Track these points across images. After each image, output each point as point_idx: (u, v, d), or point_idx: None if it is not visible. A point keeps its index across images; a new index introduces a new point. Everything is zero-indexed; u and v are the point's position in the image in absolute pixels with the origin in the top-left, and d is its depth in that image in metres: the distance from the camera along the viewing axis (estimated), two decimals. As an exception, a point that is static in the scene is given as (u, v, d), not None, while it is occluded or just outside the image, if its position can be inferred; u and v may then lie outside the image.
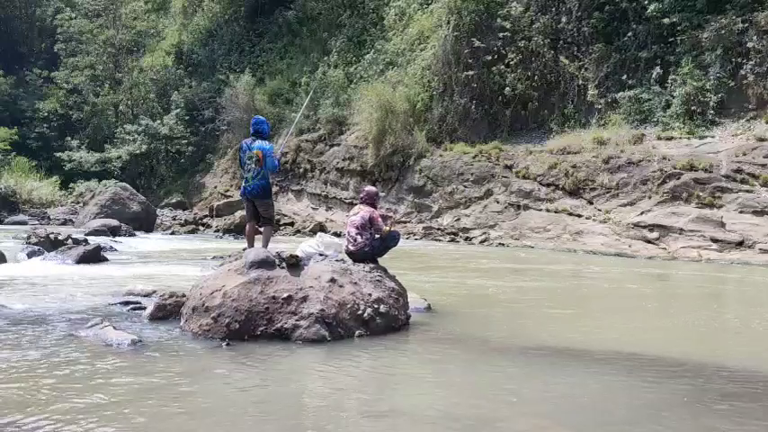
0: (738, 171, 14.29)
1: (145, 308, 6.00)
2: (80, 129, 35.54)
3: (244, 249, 6.67)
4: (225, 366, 4.35)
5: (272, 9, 31.16)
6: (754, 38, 15.38)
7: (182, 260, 11.39)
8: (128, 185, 22.08)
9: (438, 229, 19.24)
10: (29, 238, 11.58)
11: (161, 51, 36.11)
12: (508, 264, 12.68)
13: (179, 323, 5.42)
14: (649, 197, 15.35)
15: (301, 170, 25.12)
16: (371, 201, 6.34)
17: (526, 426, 3.35)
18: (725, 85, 15.72)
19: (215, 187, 28.71)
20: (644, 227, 15.02)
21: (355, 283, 5.55)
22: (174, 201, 28.98)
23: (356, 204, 6.50)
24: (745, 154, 14.42)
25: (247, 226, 7.76)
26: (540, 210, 17.34)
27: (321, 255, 5.93)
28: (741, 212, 13.87)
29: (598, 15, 18.57)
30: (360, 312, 5.31)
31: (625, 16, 18.17)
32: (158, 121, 30.91)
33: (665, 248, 14.38)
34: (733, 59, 15.74)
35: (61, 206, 27.57)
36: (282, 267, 5.42)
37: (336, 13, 27.82)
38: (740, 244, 13.43)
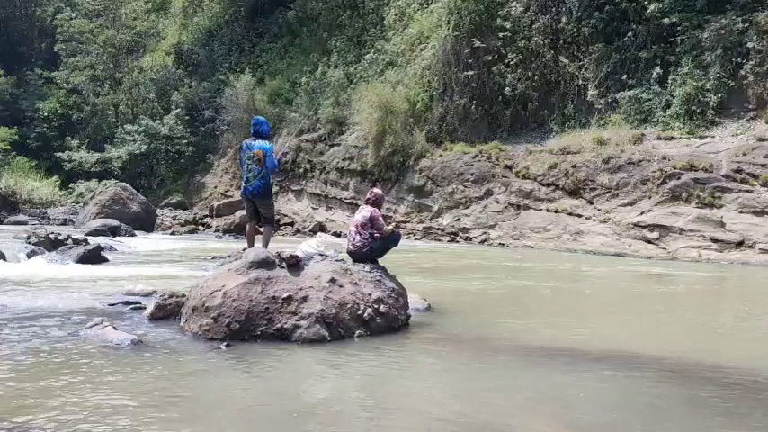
0: (738, 171, 14.29)
1: (145, 308, 5.99)
2: (80, 129, 35.56)
3: (244, 249, 6.68)
4: (225, 366, 4.35)
5: (272, 9, 31.16)
6: (754, 38, 15.37)
7: (182, 260, 11.38)
8: (128, 185, 22.08)
9: (438, 229, 19.24)
10: (29, 237, 11.56)
11: (161, 51, 36.12)
12: (508, 264, 12.68)
13: (179, 323, 5.41)
14: (649, 197, 15.35)
15: (301, 170, 25.13)
16: (377, 203, 6.34)
17: (526, 425, 3.35)
18: (725, 85, 15.72)
19: (215, 187, 28.72)
20: (644, 227, 15.02)
21: (355, 283, 5.55)
22: (174, 201, 29.00)
23: (362, 205, 6.49)
24: (745, 154, 14.42)
25: (247, 226, 7.78)
26: (540, 210, 17.34)
27: (321, 255, 5.93)
28: (741, 212, 13.87)
29: (598, 15, 18.56)
30: (360, 312, 5.31)
31: (625, 16, 18.17)
32: (158, 121, 30.91)
33: (665, 248, 14.39)
34: (733, 59, 15.74)
35: (61, 206, 27.60)
36: (282, 267, 5.42)
37: (336, 13, 27.82)
38: (740, 244, 13.44)
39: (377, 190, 6.57)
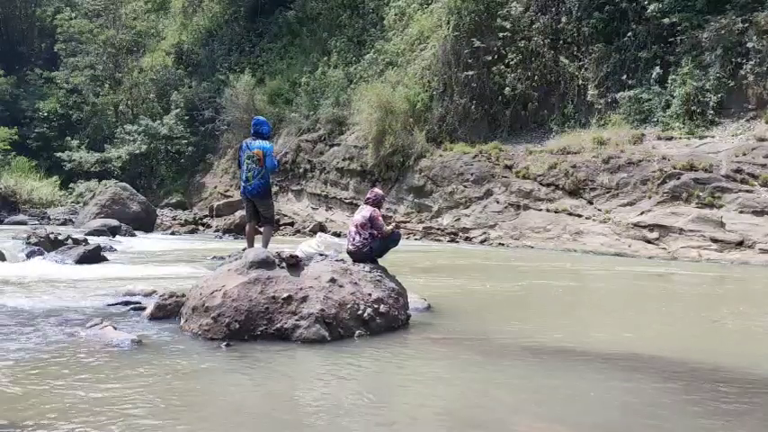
0: (738, 171, 14.29)
1: (145, 308, 5.99)
2: (80, 129, 35.54)
3: (244, 249, 6.68)
4: (225, 366, 4.35)
5: (272, 9, 31.16)
6: (754, 38, 15.37)
7: (181, 260, 11.38)
8: (128, 185, 22.09)
9: (438, 229, 19.24)
10: (29, 238, 11.56)
11: (161, 51, 36.11)
12: (508, 264, 12.68)
13: (179, 323, 5.41)
14: (649, 197, 15.35)
15: (301, 170, 25.13)
16: (377, 203, 6.34)
17: (525, 426, 3.35)
18: (725, 85, 15.72)
19: (215, 187, 28.72)
20: (644, 227, 15.02)
21: (355, 283, 5.54)
22: (174, 201, 29.00)
23: (361, 205, 6.49)
24: (745, 154, 14.42)
25: (247, 226, 7.78)
26: (540, 210, 17.34)
27: (321, 255, 5.93)
28: (741, 212, 13.87)
29: (598, 15, 18.57)
30: (360, 312, 5.31)
31: (625, 16, 18.17)
32: (158, 121, 30.91)
33: (664, 248, 14.38)
34: (733, 59, 15.74)
35: (61, 206, 27.60)
36: (282, 267, 5.42)
37: (336, 13, 27.82)
38: (740, 244, 13.44)
39: (377, 190, 6.58)
